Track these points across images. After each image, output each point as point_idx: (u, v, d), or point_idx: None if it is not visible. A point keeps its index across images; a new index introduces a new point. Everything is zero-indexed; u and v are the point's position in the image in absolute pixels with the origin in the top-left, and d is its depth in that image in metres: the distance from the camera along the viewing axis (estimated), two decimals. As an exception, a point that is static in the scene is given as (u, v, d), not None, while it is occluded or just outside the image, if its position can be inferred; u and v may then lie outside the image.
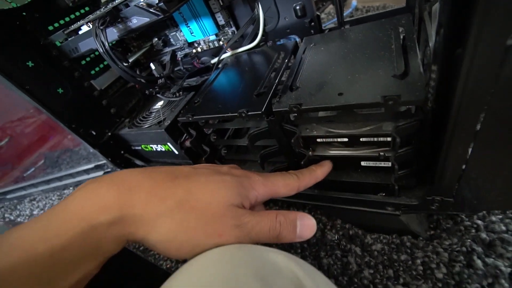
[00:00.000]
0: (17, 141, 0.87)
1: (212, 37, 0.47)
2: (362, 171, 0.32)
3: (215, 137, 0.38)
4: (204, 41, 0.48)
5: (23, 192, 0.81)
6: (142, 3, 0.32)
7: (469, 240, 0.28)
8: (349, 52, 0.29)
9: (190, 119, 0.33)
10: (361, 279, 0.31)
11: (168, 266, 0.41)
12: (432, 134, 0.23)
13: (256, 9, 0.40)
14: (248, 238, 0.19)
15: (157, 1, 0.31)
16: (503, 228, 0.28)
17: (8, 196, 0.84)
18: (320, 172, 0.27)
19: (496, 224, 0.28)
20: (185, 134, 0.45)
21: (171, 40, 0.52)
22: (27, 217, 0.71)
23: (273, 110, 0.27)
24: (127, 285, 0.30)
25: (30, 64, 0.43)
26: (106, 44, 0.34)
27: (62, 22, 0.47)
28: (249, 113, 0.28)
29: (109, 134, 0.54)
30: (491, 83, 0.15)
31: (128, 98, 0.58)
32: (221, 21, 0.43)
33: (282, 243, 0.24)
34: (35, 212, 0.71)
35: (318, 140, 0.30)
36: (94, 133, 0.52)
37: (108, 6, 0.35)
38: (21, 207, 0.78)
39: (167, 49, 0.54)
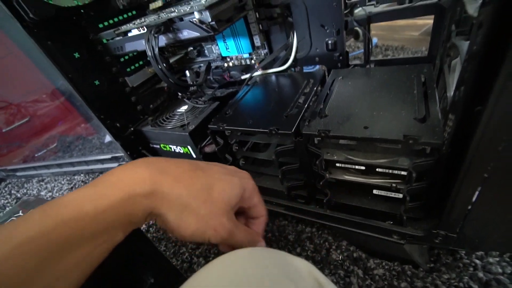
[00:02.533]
0: (34, 121, 0.90)
1: (245, 55, 0.51)
2: (373, 199, 0.34)
3: (237, 147, 0.41)
4: (236, 57, 0.52)
5: (33, 172, 0.82)
6: (195, 19, 0.36)
7: (466, 277, 0.30)
8: (375, 90, 0.33)
9: (221, 128, 0.35)
10: (361, 301, 0.32)
11: (174, 263, 0.42)
12: (443, 173, 0.25)
13: (291, 37, 0.44)
14: (230, 240, 0.22)
15: (210, 20, 0.35)
16: (500, 270, 0.30)
17: (18, 174, 0.85)
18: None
19: (493, 265, 0.30)
20: (207, 139, 0.48)
21: (206, 51, 0.56)
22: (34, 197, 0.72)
23: (303, 132, 0.30)
24: (136, 268, 0.31)
25: (76, 55, 0.46)
26: (156, 49, 0.38)
27: (111, 21, 0.51)
28: (279, 131, 0.31)
29: (132, 129, 0.56)
30: (503, 139, 0.18)
31: (154, 98, 0.62)
32: (257, 43, 0.47)
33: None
34: (42, 193, 0.73)
35: (338, 164, 0.32)
36: (119, 126, 0.55)
37: (162, 16, 0.39)
38: (29, 186, 0.80)
39: (200, 59, 0.57)
